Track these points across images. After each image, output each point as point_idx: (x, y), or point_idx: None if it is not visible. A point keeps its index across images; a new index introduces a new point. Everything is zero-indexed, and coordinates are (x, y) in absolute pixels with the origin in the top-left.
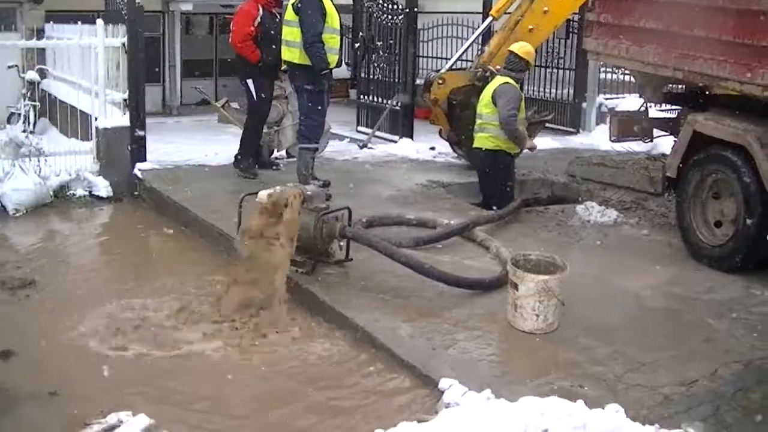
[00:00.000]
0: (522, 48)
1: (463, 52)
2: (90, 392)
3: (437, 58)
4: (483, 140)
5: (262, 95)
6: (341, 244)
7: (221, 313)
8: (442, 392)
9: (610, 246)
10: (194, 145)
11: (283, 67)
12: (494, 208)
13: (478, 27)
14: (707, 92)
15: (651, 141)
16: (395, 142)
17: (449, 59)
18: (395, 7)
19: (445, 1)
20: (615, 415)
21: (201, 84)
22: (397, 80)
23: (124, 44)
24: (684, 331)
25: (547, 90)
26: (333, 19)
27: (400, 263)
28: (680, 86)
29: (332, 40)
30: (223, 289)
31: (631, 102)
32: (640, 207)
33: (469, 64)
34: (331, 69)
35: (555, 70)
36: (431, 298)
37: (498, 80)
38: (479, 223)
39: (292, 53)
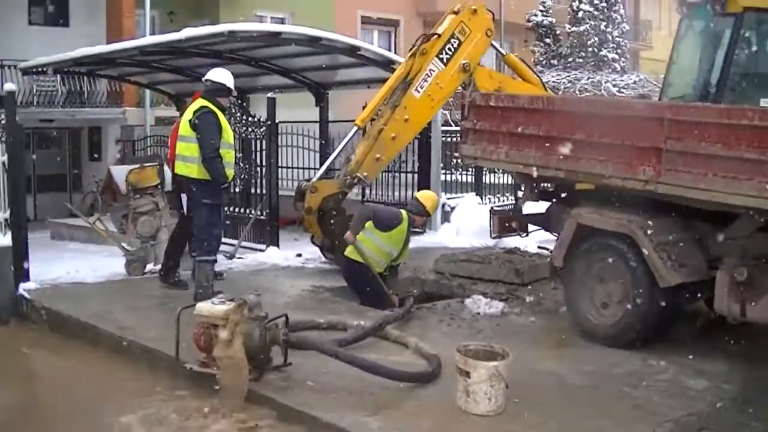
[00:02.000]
0: (426, 198)
1: (331, 161)
2: None
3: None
4: (351, 251)
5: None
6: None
7: None
8: None
9: (508, 334)
10: (68, 261)
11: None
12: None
13: (315, 135)
14: (575, 188)
15: (527, 235)
16: (263, 251)
17: (297, 168)
18: (255, 119)
19: (284, 111)
20: None
21: None
22: (258, 191)
23: (4, 163)
24: (611, 401)
25: (392, 193)
26: (228, 134)
27: (345, 362)
28: (549, 185)
29: (228, 155)
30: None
31: (469, 200)
32: (515, 297)
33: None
34: (229, 183)
35: (398, 174)
36: (379, 393)
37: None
38: (389, 321)
39: (189, 168)
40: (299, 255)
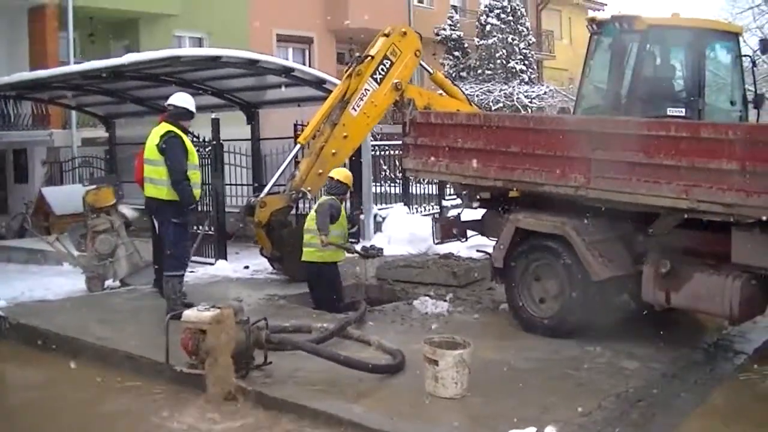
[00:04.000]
0: (341, 174)
1: (277, 178)
2: None
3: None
4: (310, 254)
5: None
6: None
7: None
8: None
9: (456, 330)
10: (19, 282)
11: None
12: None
13: (246, 152)
14: (510, 196)
15: (466, 240)
16: (212, 264)
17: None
18: (199, 139)
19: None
20: None
21: None
22: (205, 208)
23: None
24: (558, 381)
25: None
26: (194, 156)
27: (324, 358)
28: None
29: (195, 176)
30: None
31: (398, 210)
32: (455, 297)
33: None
34: (196, 203)
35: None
36: (354, 384)
37: (321, 200)
38: (350, 323)
39: (158, 190)
40: (247, 267)
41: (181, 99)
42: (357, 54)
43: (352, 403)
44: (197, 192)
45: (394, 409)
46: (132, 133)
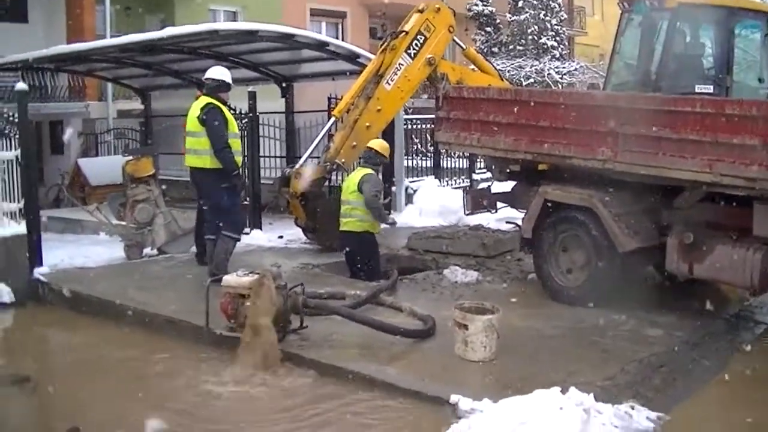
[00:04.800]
0: (380, 145)
1: (313, 149)
2: None
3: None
4: (351, 224)
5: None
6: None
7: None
8: (453, 405)
9: (485, 298)
10: (57, 250)
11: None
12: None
13: (280, 125)
14: (539, 169)
15: (496, 212)
16: (247, 233)
17: (266, 156)
18: (236, 112)
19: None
20: (587, 397)
21: None
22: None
23: (17, 157)
24: (583, 348)
25: None
26: (233, 125)
27: (359, 322)
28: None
29: (236, 144)
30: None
31: (429, 183)
32: (485, 267)
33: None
34: (239, 169)
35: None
36: (387, 347)
37: (361, 171)
38: (382, 290)
39: (202, 160)
40: (281, 237)
41: (219, 72)
42: (390, 30)
43: (386, 365)
44: (239, 159)
45: (425, 371)
46: (167, 105)
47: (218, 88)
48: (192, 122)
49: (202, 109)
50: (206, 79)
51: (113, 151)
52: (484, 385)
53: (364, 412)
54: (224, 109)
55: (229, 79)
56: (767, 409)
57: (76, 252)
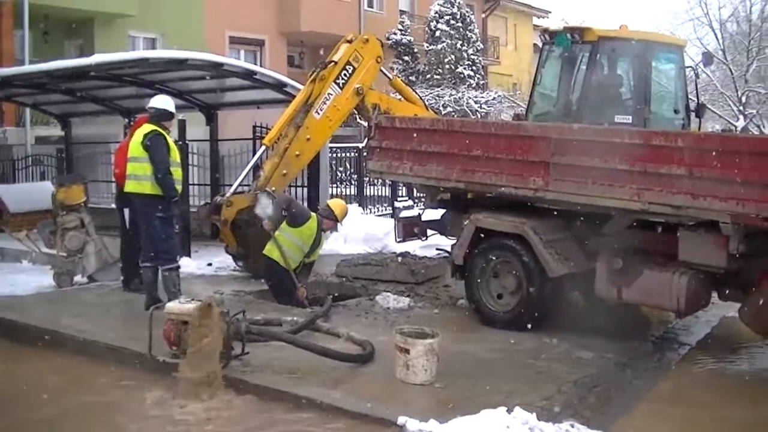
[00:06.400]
0: (337, 204)
1: (243, 178)
2: None
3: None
4: (268, 250)
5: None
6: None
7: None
8: (401, 427)
9: (418, 324)
10: None
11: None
12: None
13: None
14: (468, 197)
15: (427, 239)
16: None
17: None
18: None
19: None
20: (531, 416)
21: None
22: None
23: None
24: (519, 369)
25: None
26: (175, 153)
27: (301, 347)
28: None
29: (176, 173)
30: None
31: (353, 210)
32: (414, 293)
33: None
34: (178, 197)
35: (288, 189)
36: (329, 372)
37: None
38: (319, 316)
39: (142, 186)
40: (210, 264)
41: (163, 101)
42: (319, 61)
43: (330, 389)
44: (179, 187)
45: (369, 395)
46: (87, 132)
47: (162, 117)
48: (135, 148)
49: (146, 135)
50: (150, 107)
51: (31, 178)
52: (429, 407)
53: None
54: (167, 137)
55: (172, 108)
56: (700, 425)
57: (1, 280)
